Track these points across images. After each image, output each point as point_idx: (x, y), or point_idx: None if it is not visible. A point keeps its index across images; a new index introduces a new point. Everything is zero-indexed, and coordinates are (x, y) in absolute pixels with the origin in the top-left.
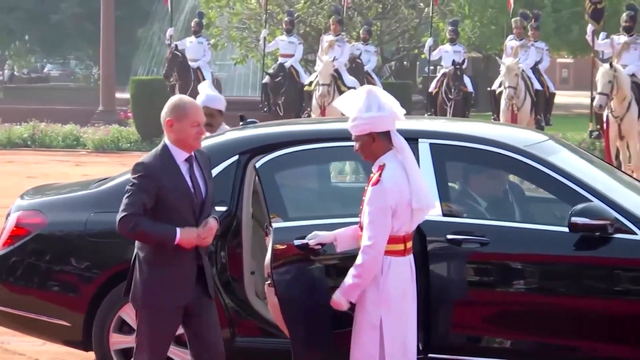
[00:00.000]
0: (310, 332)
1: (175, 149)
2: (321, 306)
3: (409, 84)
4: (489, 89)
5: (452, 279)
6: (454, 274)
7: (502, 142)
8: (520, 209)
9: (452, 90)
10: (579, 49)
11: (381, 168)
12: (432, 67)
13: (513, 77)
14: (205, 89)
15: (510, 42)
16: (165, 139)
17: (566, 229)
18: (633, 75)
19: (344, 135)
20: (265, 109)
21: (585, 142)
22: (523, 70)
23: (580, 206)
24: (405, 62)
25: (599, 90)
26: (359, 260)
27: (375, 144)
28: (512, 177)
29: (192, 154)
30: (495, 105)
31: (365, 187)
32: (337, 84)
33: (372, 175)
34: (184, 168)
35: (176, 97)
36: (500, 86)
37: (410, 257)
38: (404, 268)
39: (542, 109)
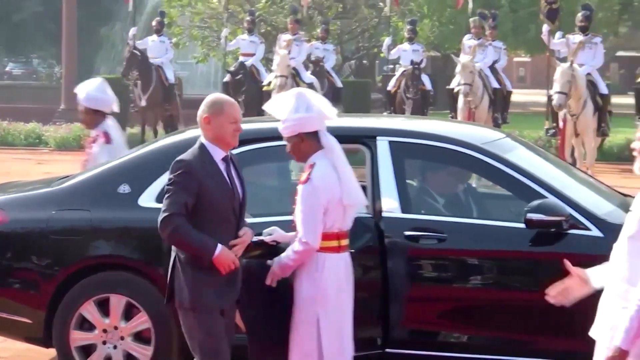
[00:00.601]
0: (266, 331)
1: (212, 146)
2: (277, 305)
3: (368, 82)
4: (447, 87)
5: (409, 274)
6: (412, 270)
7: (460, 139)
8: (478, 205)
9: (411, 89)
10: (536, 48)
11: (311, 167)
12: (391, 66)
13: (468, 75)
14: (88, 87)
15: (468, 41)
16: (202, 138)
17: (522, 225)
18: (588, 74)
19: None
20: None
21: (541, 139)
22: (481, 69)
23: (535, 202)
24: (364, 61)
25: (558, 89)
26: (296, 247)
27: (305, 144)
28: (470, 174)
29: (229, 153)
30: (453, 103)
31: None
32: (295, 81)
33: (301, 174)
34: (222, 167)
35: (213, 95)
36: (457, 85)
37: (345, 255)
38: (339, 264)
39: (500, 107)
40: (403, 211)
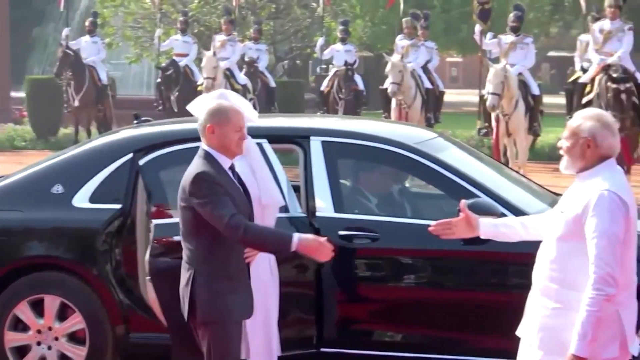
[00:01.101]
0: (188, 329)
1: (219, 155)
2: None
3: (301, 82)
4: (380, 87)
5: (344, 274)
6: (346, 269)
7: (392, 139)
8: (411, 205)
9: (344, 90)
10: (468, 48)
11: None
12: (324, 66)
13: (397, 74)
14: None
15: (401, 42)
16: (205, 147)
17: None
18: (520, 74)
19: None
20: (160, 108)
21: (473, 139)
22: (414, 70)
23: (468, 202)
24: (298, 61)
25: (491, 90)
26: None
27: None
28: (403, 174)
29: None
30: (386, 103)
31: None
32: (229, 82)
33: None
34: (231, 175)
35: (214, 103)
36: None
37: (269, 254)
38: (262, 263)
39: (432, 107)
40: (336, 211)
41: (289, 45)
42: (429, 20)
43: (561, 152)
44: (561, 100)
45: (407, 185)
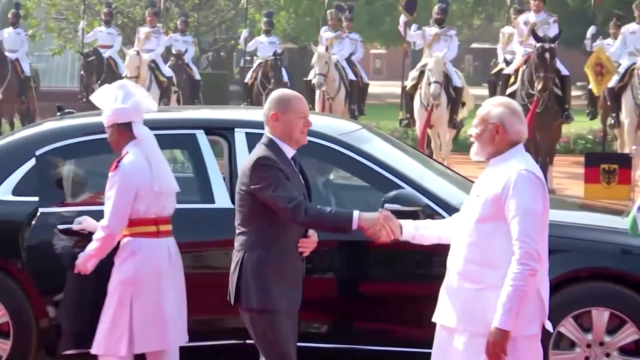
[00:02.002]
0: (75, 321)
1: (283, 144)
2: (89, 289)
3: (226, 74)
4: (304, 79)
5: None
6: None
7: (316, 131)
8: (335, 196)
9: (272, 80)
10: (392, 40)
11: (122, 156)
12: (248, 58)
13: (323, 65)
14: None
15: (325, 34)
16: (268, 134)
17: None
18: (444, 64)
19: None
20: (84, 100)
21: (397, 130)
22: (338, 61)
23: (392, 193)
24: (222, 53)
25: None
26: (97, 234)
27: (119, 135)
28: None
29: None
30: (310, 95)
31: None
32: (154, 74)
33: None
34: (294, 165)
35: (278, 91)
36: (314, 76)
37: (167, 240)
38: (158, 250)
39: (356, 98)
40: None
41: (213, 37)
42: (353, 12)
43: (471, 139)
44: (484, 91)
45: (331, 177)
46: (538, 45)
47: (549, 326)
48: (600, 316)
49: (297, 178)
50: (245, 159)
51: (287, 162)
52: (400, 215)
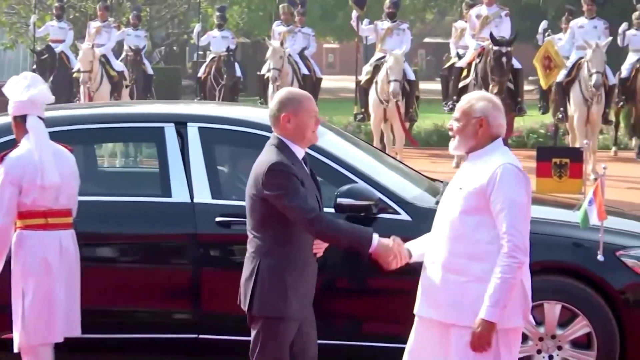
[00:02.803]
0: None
1: (293, 145)
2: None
3: (178, 69)
4: (257, 73)
5: (221, 260)
6: (224, 256)
7: (268, 125)
8: None
9: (225, 76)
10: (345, 34)
11: (10, 150)
12: (201, 53)
13: (278, 60)
14: None
15: (278, 28)
16: (278, 135)
17: (332, 210)
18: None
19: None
20: None
21: (351, 125)
22: (290, 55)
23: (345, 187)
24: (175, 48)
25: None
26: None
27: (17, 127)
28: None
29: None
30: (263, 89)
31: None
32: (105, 69)
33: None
34: (305, 167)
35: (286, 91)
36: (267, 70)
37: (59, 233)
38: (47, 242)
39: (309, 93)
40: (214, 197)
41: (165, 31)
42: (306, 6)
43: (450, 133)
44: (437, 85)
45: None
46: (495, 48)
47: (531, 320)
48: (552, 309)
49: (309, 181)
50: (197, 154)
51: (299, 165)
52: (353, 209)
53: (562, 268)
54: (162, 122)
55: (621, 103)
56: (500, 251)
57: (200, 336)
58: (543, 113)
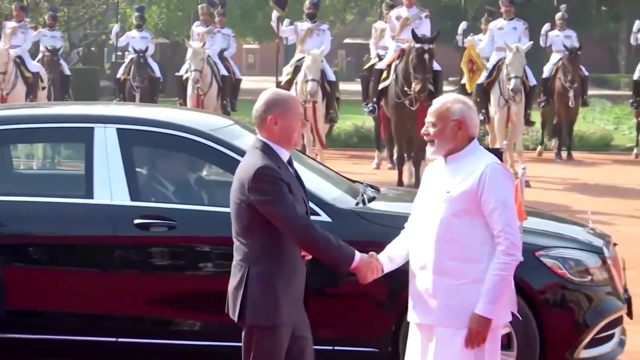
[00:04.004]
0: None
1: (278, 147)
2: None
3: (97, 70)
4: (176, 74)
5: (140, 262)
6: (142, 258)
7: (188, 126)
8: (209, 192)
9: (137, 78)
10: (265, 35)
11: None
12: (119, 53)
13: (199, 61)
14: None
15: (197, 29)
16: (262, 138)
17: None
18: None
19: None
20: None
21: None
22: (209, 56)
23: None
24: (93, 48)
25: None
26: None
27: None
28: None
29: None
30: (182, 90)
31: None
32: (20, 70)
33: None
34: (290, 170)
35: (271, 91)
36: (187, 71)
37: None
38: None
39: (229, 94)
40: (132, 199)
41: (83, 31)
42: (226, 7)
43: (426, 138)
44: (357, 87)
45: (204, 172)
46: (417, 46)
47: (517, 315)
48: None
49: (296, 184)
50: (115, 155)
51: (284, 168)
52: None
53: None
54: (86, 122)
55: (542, 103)
56: (492, 251)
57: (120, 339)
58: None
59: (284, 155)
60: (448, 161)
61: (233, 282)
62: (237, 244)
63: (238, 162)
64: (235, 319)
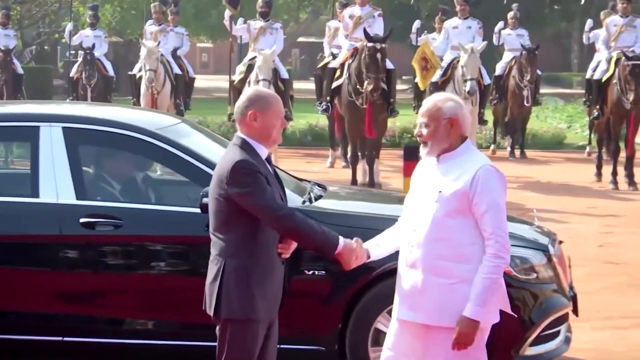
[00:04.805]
0: None
1: (257, 145)
2: None
3: (50, 68)
4: (129, 73)
5: (85, 262)
6: (88, 257)
7: (134, 125)
8: (156, 191)
9: (85, 75)
10: (218, 33)
11: None
12: (73, 52)
13: (153, 61)
14: None
15: (150, 27)
16: (241, 135)
17: (198, 210)
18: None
19: None
20: None
21: (225, 125)
22: (162, 55)
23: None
24: (46, 47)
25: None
26: None
27: None
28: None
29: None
30: (135, 89)
31: None
32: None
33: None
34: (269, 167)
35: (253, 89)
36: (140, 70)
37: None
38: None
39: (182, 93)
40: (78, 198)
41: (36, 30)
42: (179, 5)
43: (420, 139)
44: (311, 85)
45: (151, 171)
46: (370, 45)
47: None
48: None
49: (274, 180)
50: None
51: (263, 164)
52: None
53: None
54: (31, 121)
55: (495, 101)
56: (481, 251)
57: (65, 338)
58: (417, 113)
59: (263, 152)
60: (440, 160)
61: (210, 276)
62: (214, 239)
63: (184, 160)
64: (211, 313)
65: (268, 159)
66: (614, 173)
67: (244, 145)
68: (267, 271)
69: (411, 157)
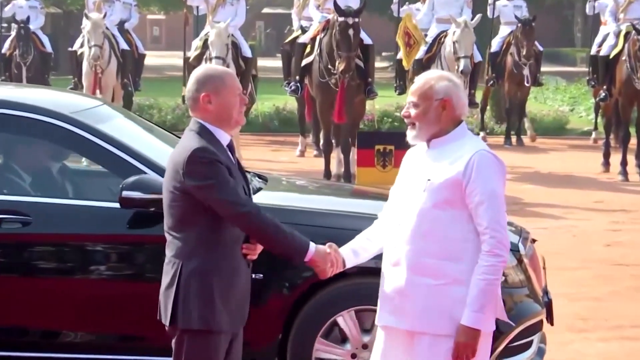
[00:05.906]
0: None
1: (217, 130)
2: None
3: None
4: (70, 49)
5: None
6: None
7: (45, 108)
8: (72, 184)
9: (22, 52)
10: (171, 4)
11: None
12: (5, 25)
13: (99, 35)
14: None
15: None
16: (198, 120)
17: (118, 205)
18: (231, 35)
19: None
20: None
21: (180, 107)
22: (107, 28)
23: (131, 179)
24: None
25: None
26: None
27: None
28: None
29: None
30: (77, 67)
31: None
32: None
33: None
34: (230, 155)
35: (200, 68)
36: (82, 46)
37: None
38: None
39: (131, 71)
40: None
41: None
42: None
43: (407, 120)
44: (278, 63)
45: (68, 161)
46: (341, 19)
47: (508, 321)
48: (349, 320)
49: (236, 170)
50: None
51: (224, 153)
52: (141, 203)
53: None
54: None
55: (491, 82)
56: (476, 249)
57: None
58: (400, 94)
59: (224, 138)
60: (431, 146)
61: (164, 281)
62: (169, 239)
63: (102, 148)
64: (167, 323)
65: (230, 147)
66: (624, 162)
67: (202, 131)
68: (230, 275)
69: (365, 144)
